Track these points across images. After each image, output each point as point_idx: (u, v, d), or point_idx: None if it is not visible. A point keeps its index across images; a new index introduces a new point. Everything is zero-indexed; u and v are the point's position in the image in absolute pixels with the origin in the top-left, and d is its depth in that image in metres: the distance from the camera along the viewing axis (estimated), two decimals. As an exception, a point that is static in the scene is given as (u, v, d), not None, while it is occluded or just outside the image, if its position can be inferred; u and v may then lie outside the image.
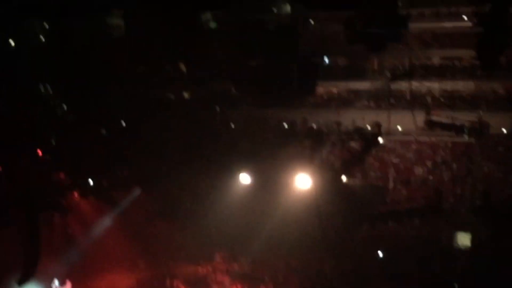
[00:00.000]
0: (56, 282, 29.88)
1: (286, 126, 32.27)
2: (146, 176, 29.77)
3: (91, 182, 29.68)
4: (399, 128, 31.29)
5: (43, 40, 25.73)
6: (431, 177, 30.06)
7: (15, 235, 26.02)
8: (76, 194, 30.29)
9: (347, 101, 34.93)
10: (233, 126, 32.27)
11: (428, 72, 32.56)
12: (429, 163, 30.52)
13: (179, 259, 32.46)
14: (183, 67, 29.71)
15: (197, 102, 33.23)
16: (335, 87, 35.57)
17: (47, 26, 25.76)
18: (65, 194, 29.10)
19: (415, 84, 32.31)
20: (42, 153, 29.55)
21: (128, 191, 31.77)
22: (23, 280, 26.41)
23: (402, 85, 32.58)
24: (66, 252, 30.95)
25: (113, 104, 30.08)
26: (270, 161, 30.54)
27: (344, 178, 30.40)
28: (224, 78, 30.49)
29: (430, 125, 27.76)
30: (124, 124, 31.25)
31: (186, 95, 34.48)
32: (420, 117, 27.92)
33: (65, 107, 28.46)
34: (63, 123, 28.17)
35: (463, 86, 32.55)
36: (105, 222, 32.21)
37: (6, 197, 24.82)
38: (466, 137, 28.50)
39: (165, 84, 32.34)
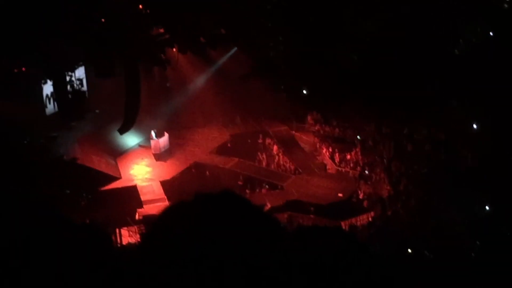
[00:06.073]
0: (153, 133, 31.03)
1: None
2: (242, 34, 29.75)
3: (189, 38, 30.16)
4: None
5: None
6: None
7: (117, 86, 26.99)
8: (174, 49, 30.93)
9: None
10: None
11: None
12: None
13: (272, 118, 33.11)
14: None
15: None
16: None
17: None
18: (164, 49, 29.73)
19: None
20: (143, 6, 30.08)
21: (225, 49, 32.10)
22: (124, 129, 27.73)
23: None
24: (165, 105, 32.01)
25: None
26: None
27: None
28: None
29: None
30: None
31: None
32: None
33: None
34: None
35: None
36: (202, 78, 32.93)
37: (109, 49, 25.41)
38: None
39: None
